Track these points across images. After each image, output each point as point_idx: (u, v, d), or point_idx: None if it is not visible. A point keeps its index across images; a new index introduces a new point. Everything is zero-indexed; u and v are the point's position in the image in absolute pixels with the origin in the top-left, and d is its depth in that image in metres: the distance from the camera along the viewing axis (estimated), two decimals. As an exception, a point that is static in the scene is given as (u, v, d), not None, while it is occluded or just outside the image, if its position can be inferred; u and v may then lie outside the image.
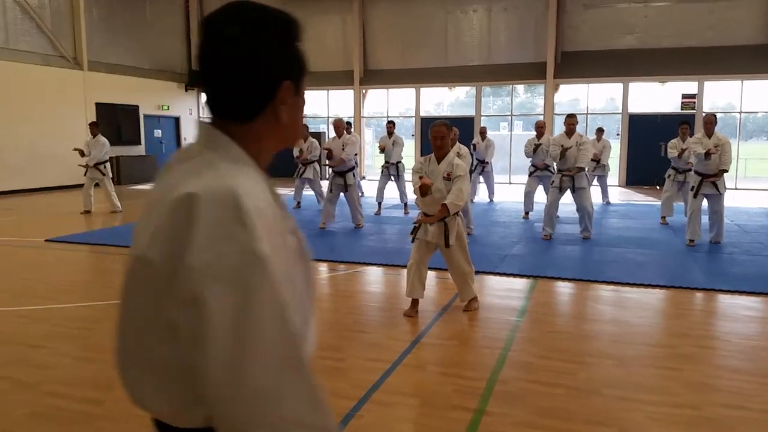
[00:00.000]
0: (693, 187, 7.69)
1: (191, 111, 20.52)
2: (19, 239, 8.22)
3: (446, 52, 17.80)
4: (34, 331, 4.44)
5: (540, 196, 9.94)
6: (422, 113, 18.67)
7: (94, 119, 13.52)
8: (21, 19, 14.69)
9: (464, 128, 13.85)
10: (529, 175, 9.94)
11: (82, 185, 11.06)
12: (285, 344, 0.87)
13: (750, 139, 25.31)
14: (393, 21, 18.18)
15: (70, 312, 4.91)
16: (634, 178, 16.56)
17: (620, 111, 16.92)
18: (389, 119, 12.02)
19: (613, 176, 15.13)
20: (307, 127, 11.49)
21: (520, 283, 5.88)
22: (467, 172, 4.80)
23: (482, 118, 17.82)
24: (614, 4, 16.33)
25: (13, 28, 14.50)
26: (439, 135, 4.73)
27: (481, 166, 11.84)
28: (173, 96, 19.61)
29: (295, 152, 10.68)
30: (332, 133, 9.67)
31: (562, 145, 7.94)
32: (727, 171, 7.53)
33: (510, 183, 17.36)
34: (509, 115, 19.02)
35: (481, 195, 12.73)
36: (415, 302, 4.82)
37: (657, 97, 16.81)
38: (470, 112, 18.11)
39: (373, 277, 6.35)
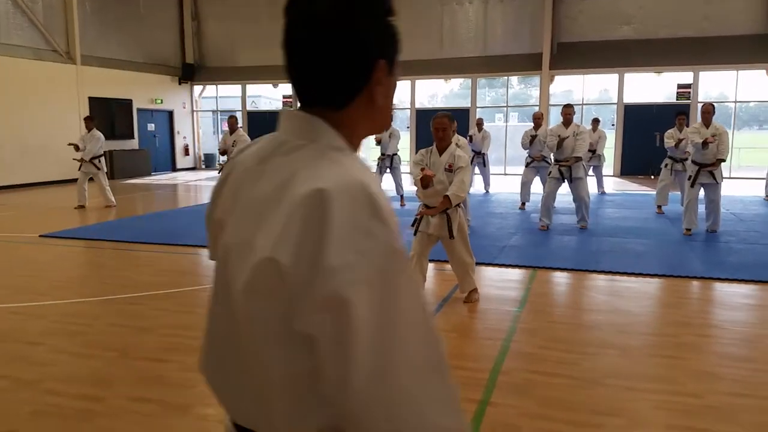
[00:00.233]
0: (690, 176, 7.70)
1: (185, 104, 20.41)
2: (14, 235, 8.15)
3: (442, 43, 17.74)
4: (32, 327, 4.40)
5: (536, 186, 9.94)
6: (417, 105, 18.61)
7: (88, 114, 13.45)
8: (13, 13, 14.54)
9: (460, 120, 13.76)
10: (526, 166, 9.94)
11: (74, 180, 10.99)
12: (428, 345, 0.82)
13: (742, 128, 25.39)
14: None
15: (67, 308, 4.87)
16: (628, 168, 16.60)
17: (614, 101, 16.93)
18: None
19: (608, 166, 15.15)
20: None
21: (519, 274, 5.87)
22: (469, 164, 4.79)
23: (477, 109, 17.79)
24: (609, -6, 16.31)
25: (5, 23, 14.35)
26: (441, 126, 4.70)
27: (480, 158, 11.84)
28: (166, 89, 19.49)
29: None
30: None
31: (559, 135, 7.93)
32: (724, 160, 7.55)
33: (505, 174, 17.36)
34: (504, 107, 19.00)
35: (477, 186, 12.72)
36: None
37: (652, 87, 16.83)
38: (465, 103, 18.07)
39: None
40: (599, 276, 5.78)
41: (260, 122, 19.47)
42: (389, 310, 0.78)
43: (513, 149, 16.18)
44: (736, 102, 16.45)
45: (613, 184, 14.06)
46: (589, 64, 16.47)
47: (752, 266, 5.96)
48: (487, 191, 12.46)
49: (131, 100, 17.95)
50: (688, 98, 15.79)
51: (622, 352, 3.84)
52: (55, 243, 7.59)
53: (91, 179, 10.62)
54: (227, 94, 21.24)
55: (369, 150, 18.55)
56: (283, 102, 19.95)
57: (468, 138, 11.28)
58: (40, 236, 7.94)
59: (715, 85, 17.36)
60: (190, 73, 19.97)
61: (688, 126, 8.73)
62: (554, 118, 16.19)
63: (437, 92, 20.77)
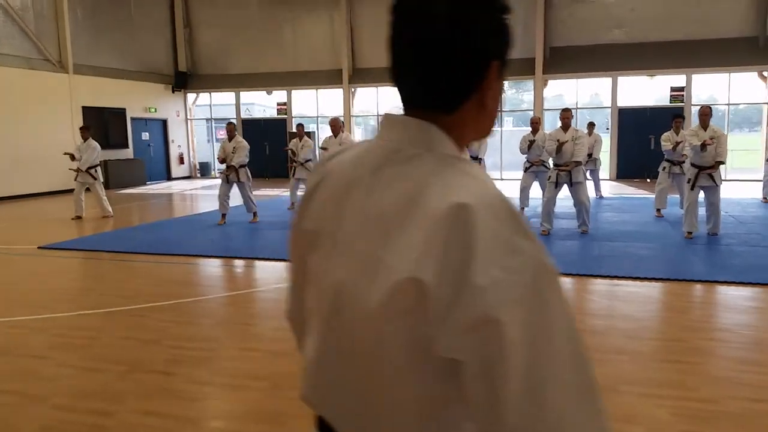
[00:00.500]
0: (690, 179, 7.73)
1: (178, 113, 20.33)
2: (11, 247, 8.07)
3: (435, 49, 17.75)
4: (36, 341, 4.34)
5: (535, 191, 9.95)
6: (411, 111, 18.59)
7: (81, 123, 13.34)
8: (4, 23, 14.45)
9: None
10: (525, 171, 9.95)
11: (69, 191, 10.91)
12: (579, 364, 0.78)
13: (734, 130, 25.55)
14: (381, 18, 17.60)
15: (70, 321, 4.81)
16: (624, 172, 16.66)
17: (607, 105, 17.00)
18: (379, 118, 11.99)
19: (604, 170, 15.21)
20: (303, 126, 11.42)
21: (524, 280, 5.85)
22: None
23: (472, 114, 17.79)
24: (601, -1, 16.41)
25: (-5, 32, 14.28)
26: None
27: (477, 163, 11.85)
28: (160, 98, 19.41)
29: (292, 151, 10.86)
30: (322, 133, 9.62)
31: (558, 140, 7.95)
32: (723, 163, 7.61)
33: (502, 179, 17.38)
34: (498, 112, 19.02)
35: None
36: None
37: (645, 90, 16.91)
38: (460, 108, 18.06)
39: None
40: (603, 280, 5.78)
41: (255, 129, 19.40)
42: (543, 329, 0.74)
43: (509, 154, 16.20)
44: (729, 104, 16.56)
45: (609, 188, 14.10)
46: (581, 68, 16.54)
47: (756, 269, 5.97)
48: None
49: (125, 109, 17.87)
50: (682, 101, 15.89)
51: (632, 357, 3.82)
52: (54, 255, 7.51)
53: (87, 189, 10.55)
54: (221, 102, 21.18)
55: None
56: (278, 109, 19.89)
57: (465, 144, 11.31)
58: (38, 248, 7.86)
59: (707, 87, 17.47)
60: (183, 81, 19.89)
61: (684, 129, 8.78)
62: (549, 123, 16.25)
63: (431, 98, 20.79)
